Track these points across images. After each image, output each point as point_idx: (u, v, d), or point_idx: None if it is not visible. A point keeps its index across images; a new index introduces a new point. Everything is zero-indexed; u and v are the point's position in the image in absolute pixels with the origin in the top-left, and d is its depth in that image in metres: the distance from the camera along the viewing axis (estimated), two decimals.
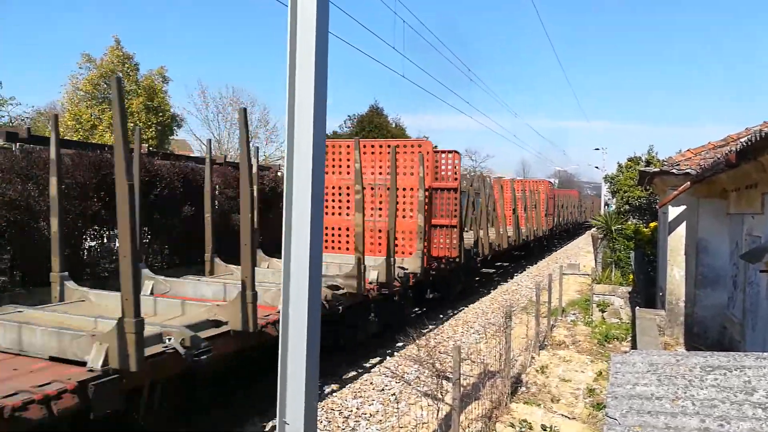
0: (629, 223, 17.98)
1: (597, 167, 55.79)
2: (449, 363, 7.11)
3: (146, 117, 28.98)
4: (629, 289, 13.42)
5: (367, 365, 9.40)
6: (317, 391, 4.80)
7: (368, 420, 6.99)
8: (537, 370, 8.91)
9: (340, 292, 8.52)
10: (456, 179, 12.24)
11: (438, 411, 6.81)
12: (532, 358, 9.42)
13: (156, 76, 30.51)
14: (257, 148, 12.90)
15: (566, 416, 7.18)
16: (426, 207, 11.55)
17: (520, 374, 8.52)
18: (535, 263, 25.84)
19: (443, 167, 12.28)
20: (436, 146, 13.39)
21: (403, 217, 11.75)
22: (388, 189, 10.50)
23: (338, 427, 6.76)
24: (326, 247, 11.68)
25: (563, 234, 38.04)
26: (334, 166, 12.14)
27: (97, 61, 29.19)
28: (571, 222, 41.32)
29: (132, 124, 28.17)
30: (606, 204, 41.44)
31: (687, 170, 9.69)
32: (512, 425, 6.71)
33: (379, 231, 11.53)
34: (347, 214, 11.83)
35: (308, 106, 4.47)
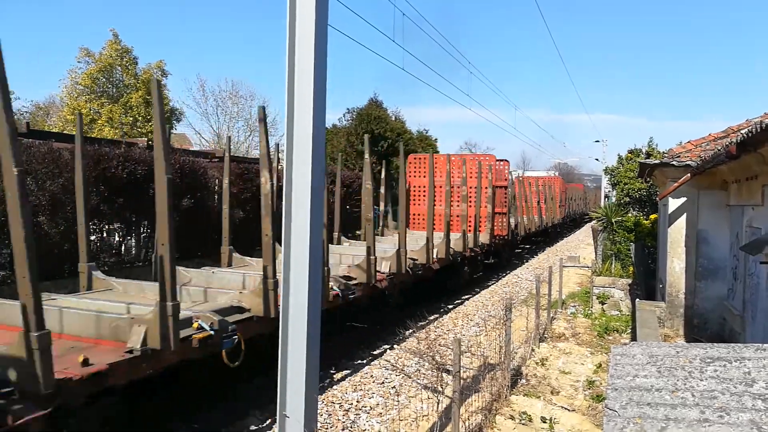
0: (629, 215, 17.98)
1: (597, 159, 55.68)
2: (449, 356, 7.12)
3: (145, 111, 28.91)
4: (629, 281, 13.44)
5: (367, 358, 9.42)
6: (317, 384, 4.81)
7: (368, 413, 7.01)
8: (537, 363, 8.93)
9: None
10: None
11: (438, 403, 6.83)
12: (532, 350, 9.44)
13: (155, 70, 30.42)
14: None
15: (566, 408, 7.20)
16: (492, 200, 16.98)
17: (520, 367, 8.54)
18: (553, 245, 30.79)
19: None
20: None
21: (479, 206, 16.18)
22: (470, 188, 15.68)
23: (339, 420, 6.77)
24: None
25: (571, 223, 43.23)
26: (437, 174, 15.97)
27: (95, 55, 29.09)
28: (578, 213, 47.48)
29: (131, 118, 28.15)
30: (606, 196, 41.47)
31: (687, 162, 9.68)
32: (512, 417, 6.73)
33: (457, 216, 15.49)
34: (440, 205, 15.42)
35: (308, 99, 4.46)
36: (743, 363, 2.99)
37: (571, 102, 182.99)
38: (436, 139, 37.76)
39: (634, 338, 9.75)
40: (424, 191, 16.66)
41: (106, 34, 37.34)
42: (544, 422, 6.62)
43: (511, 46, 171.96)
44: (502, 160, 18.69)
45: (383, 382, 8.11)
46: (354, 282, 9.07)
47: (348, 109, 33.43)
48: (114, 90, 29.70)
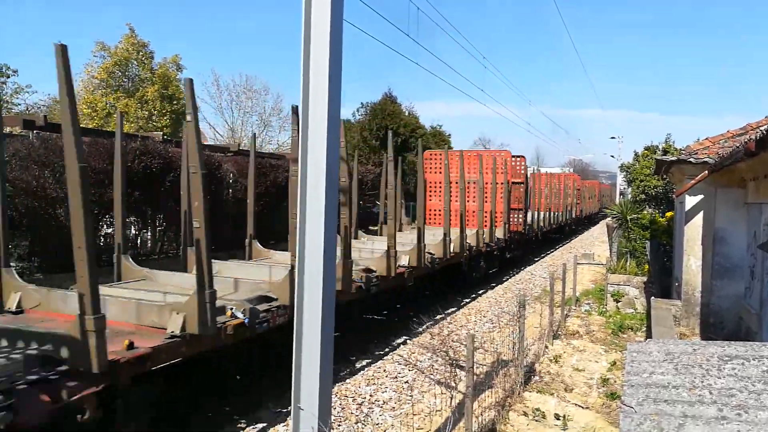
0: (645, 212, 17.82)
1: (612, 156, 55.21)
2: (462, 352, 7.12)
3: (161, 105, 29.12)
4: (644, 279, 13.33)
5: (380, 353, 9.45)
6: (331, 377, 4.84)
7: (381, 407, 7.03)
8: (550, 360, 8.89)
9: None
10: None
11: (451, 399, 6.84)
12: (546, 347, 9.41)
13: (170, 65, 30.61)
14: (254, 134, 13.42)
15: (580, 405, 7.17)
16: (507, 196, 17.11)
17: (533, 363, 8.52)
18: (567, 242, 31.26)
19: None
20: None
21: (495, 202, 16.43)
22: (486, 184, 15.73)
23: (352, 413, 6.80)
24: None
25: (586, 220, 43.62)
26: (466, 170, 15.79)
27: (111, 49, 29.32)
28: (593, 210, 48.53)
29: (147, 113, 28.38)
30: (621, 193, 41.21)
31: (705, 159, 9.56)
32: (525, 414, 6.72)
33: (473, 212, 15.24)
34: (456, 201, 14.78)
35: (323, 94, 4.47)
36: (762, 361, 2.96)
37: (586, 97, 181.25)
38: (449, 135, 37.67)
39: (649, 336, 9.67)
40: (440, 187, 16.66)
41: (122, 29, 37.60)
42: (558, 419, 6.60)
43: (526, 41, 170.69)
44: (518, 156, 18.61)
45: (396, 377, 8.13)
46: (375, 274, 9.20)
47: (362, 103, 33.41)
48: (130, 84, 29.93)
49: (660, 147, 21.70)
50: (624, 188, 38.19)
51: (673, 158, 10.50)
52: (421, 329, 10.22)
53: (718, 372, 2.86)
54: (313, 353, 4.48)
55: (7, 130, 13.69)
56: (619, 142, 52.67)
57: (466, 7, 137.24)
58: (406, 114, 34.54)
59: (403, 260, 10.32)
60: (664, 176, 13.67)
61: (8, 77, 25.84)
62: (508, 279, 17.89)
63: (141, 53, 29.54)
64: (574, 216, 34.31)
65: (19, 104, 26.96)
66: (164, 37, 79.79)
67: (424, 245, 10.98)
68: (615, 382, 7.94)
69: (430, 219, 17.11)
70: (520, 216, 18.47)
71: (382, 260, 9.50)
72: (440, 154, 17.25)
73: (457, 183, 14.75)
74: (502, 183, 16.85)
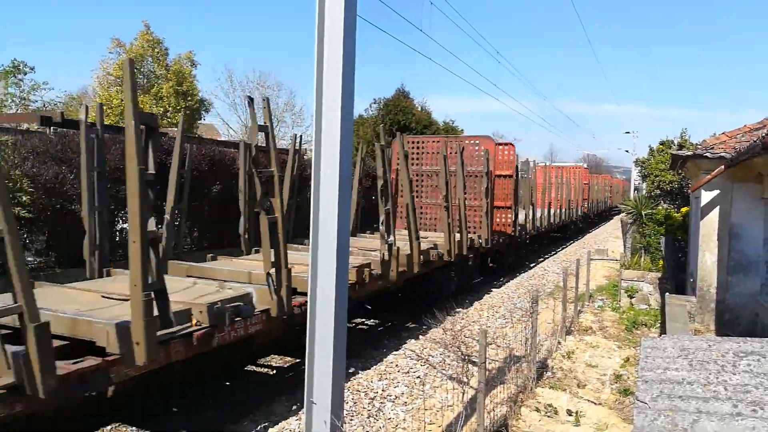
0: (660, 207, 17.66)
1: (627, 151, 54.77)
2: (475, 347, 7.12)
3: (175, 101, 29.31)
4: (659, 275, 13.23)
5: (392, 347, 9.47)
6: (344, 371, 4.86)
7: (393, 401, 7.06)
8: (563, 356, 8.86)
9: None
10: (511, 166, 15.49)
11: (463, 394, 6.85)
12: (559, 343, 9.37)
13: (185, 61, 30.78)
14: (299, 135, 13.82)
15: (592, 401, 7.15)
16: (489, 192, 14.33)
17: (545, 359, 8.49)
18: (578, 239, 30.86)
19: (500, 158, 15.57)
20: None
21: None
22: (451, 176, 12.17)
23: (364, 408, 6.84)
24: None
25: (596, 217, 42.85)
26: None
27: (127, 46, 29.55)
28: (608, 205, 48.67)
29: (161, 109, 28.58)
30: (636, 189, 40.91)
31: (721, 154, 9.45)
32: (537, 409, 6.71)
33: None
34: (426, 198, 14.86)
35: (336, 90, 4.48)
36: None
37: (600, 92, 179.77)
38: (462, 130, 37.52)
39: (663, 333, 9.61)
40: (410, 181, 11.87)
41: (137, 26, 37.83)
42: (570, 415, 6.58)
43: (541, 36, 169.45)
44: (504, 144, 15.70)
45: (408, 372, 8.15)
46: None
47: (375, 99, 33.38)
48: (145, 81, 30.15)
49: (675, 142, 21.49)
50: (639, 183, 37.85)
51: (689, 153, 10.40)
52: (432, 324, 10.23)
53: (733, 368, 2.84)
54: (325, 347, 4.51)
55: (24, 126, 13.86)
56: (633, 137, 52.29)
57: (479, 2, 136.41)
58: (419, 109, 34.46)
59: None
60: (680, 171, 13.53)
61: (25, 74, 26.13)
62: (520, 275, 17.83)
63: (156, 50, 29.73)
64: (580, 213, 31.31)
65: (36, 101, 27.24)
66: (178, 34, 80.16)
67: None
68: (628, 378, 7.90)
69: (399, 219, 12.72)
70: (508, 215, 15.49)
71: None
72: (410, 142, 15.06)
73: (428, 176, 13.76)
74: (478, 175, 14.07)
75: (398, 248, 9.56)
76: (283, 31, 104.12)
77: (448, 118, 39.35)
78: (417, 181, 14.57)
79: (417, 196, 14.12)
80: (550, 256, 22.97)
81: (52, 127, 11.07)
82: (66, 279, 7.23)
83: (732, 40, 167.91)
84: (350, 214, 5.22)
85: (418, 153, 14.90)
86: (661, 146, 22.28)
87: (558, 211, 24.47)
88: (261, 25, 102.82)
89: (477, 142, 14.60)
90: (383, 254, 9.14)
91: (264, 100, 7.14)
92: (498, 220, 15.32)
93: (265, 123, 6.83)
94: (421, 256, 10.36)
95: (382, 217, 9.29)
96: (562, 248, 25.57)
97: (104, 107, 28.12)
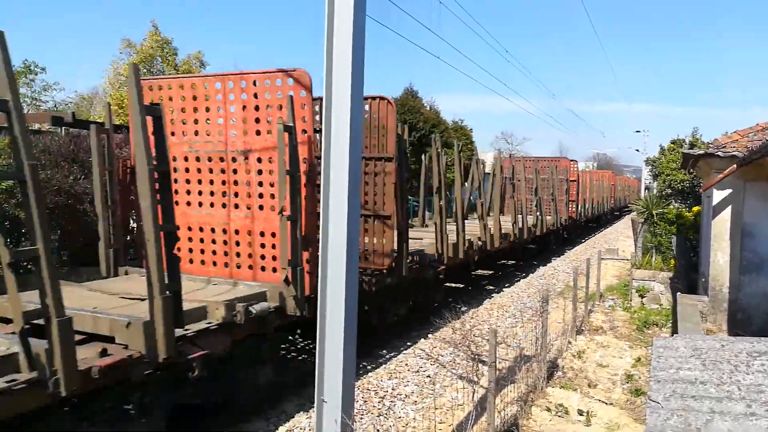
0: (671, 207, 17.54)
1: (637, 150, 54.45)
2: (485, 346, 7.11)
3: None
4: (670, 274, 13.13)
5: (402, 347, 9.47)
6: (354, 370, 4.87)
7: (404, 400, 7.06)
8: (573, 355, 8.83)
9: None
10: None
11: (473, 393, 6.84)
12: (569, 342, 9.34)
13: (194, 61, 30.90)
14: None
15: (603, 401, 7.11)
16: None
17: (556, 359, 8.47)
18: (616, 222, 38.14)
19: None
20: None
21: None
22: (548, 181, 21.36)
23: (374, 406, 6.84)
24: None
25: (620, 211, 47.95)
26: None
27: (137, 46, 29.70)
28: (628, 202, 51.79)
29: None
30: (647, 188, 40.68)
31: (733, 153, 9.37)
32: (548, 409, 6.68)
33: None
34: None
35: (346, 89, 4.49)
36: None
37: (610, 91, 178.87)
38: (471, 129, 37.45)
39: (674, 332, 9.54)
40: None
41: (146, 26, 38.02)
42: (581, 415, 6.56)
43: (549, 33, 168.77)
44: (573, 161, 26.82)
45: (418, 371, 8.15)
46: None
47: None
48: None
49: (687, 140, 21.34)
50: (649, 182, 37.69)
51: (701, 152, 10.32)
52: (442, 323, 10.22)
53: (746, 368, 2.82)
54: (336, 346, 4.52)
55: (36, 126, 13.98)
56: (644, 135, 51.94)
57: (487, 2, 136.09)
58: (427, 108, 34.40)
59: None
60: (691, 170, 13.43)
61: (36, 75, 26.33)
62: (531, 273, 17.77)
63: (165, 50, 29.86)
64: (608, 208, 39.97)
65: (47, 101, 27.46)
66: (187, 34, 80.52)
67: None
68: (639, 378, 7.86)
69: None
70: (572, 206, 24.61)
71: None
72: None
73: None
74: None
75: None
76: (293, 30, 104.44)
77: (457, 117, 39.28)
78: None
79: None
80: (592, 236, 32.02)
81: (63, 128, 11.17)
82: (78, 278, 7.31)
83: (744, 37, 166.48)
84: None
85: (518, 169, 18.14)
86: (672, 145, 22.15)
87: (596, 205, 32.69)
88: (270, 24, 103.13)
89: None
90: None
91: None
92: (570, 208, 23.88)
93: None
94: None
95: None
96: (600, 231, 35.20)
97: (116, 107, 28.33)
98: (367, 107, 8.68)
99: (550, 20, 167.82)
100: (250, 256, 7.05)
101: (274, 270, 6.85)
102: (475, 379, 6.95)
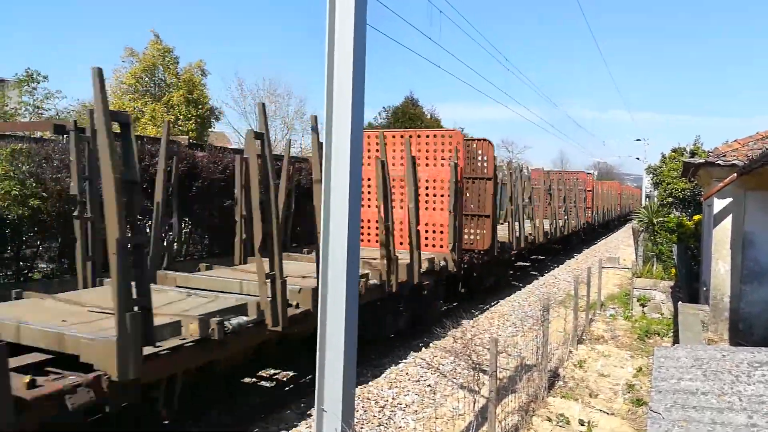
0: (672, 215, 17.53)
1: (638, 158, 54.48)
2: (485, 356, 7.08)
3: (186, 110, 29.52)
4: (671, 283, 13.11)
5: (402, 356, 9.44)
6: (355, 379, 4.86)
7: (404, 410, 7.03)
8: (575, 365, 8.80)
9: None
10: (484, 168, 13.53)
11: (474, 403, 6.80)
12: (570, 352, 9.31)
13: (195, 70, 31.02)
14: (290, 139, 13.93)
15: (605, 411, 7.08)
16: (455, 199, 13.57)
17: (557, 368, 8.44)
18: (622, 227, 41.49)
19: (587, 180, 21.99)
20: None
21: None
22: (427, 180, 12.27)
23: (374, 416, 6.81)
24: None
25: (602, 228, 44.41)
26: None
27: (139, 55, 29.82)
28: (631, 209, 54.69)
29: (173, 117, 28.81)
30: (647, 197, 40.74)
31: (734, 161, 9.38)
32: (549, 419, 6.65)
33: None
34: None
35: (346, 97, 4.50)
36: None
37: (611, 99, 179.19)
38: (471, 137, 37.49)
39: (676, 342, 9.51)
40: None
41: (148, 35, 38.22)
42: (582, 425, 6.53)
43: (550, 42, 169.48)
44: (476, 140, 13.28)
45: (419, 380, 8.12)
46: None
47: (384, 107, 33.47)
48: (156, 89, 30.41)
49: (687, 149, 21.35)
50: (650, 191, 37.80)
51: (701, 161, 10.32)
52: (443, 333, 10.19)
53: (747, 378, 2.81)
54: (336, 355, 4.51)
55: (38, 134, 14.01)
56: (645, 144, 51.98)
57: (488, 11, 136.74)
58: (428, 117, 34.50)
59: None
60: (692, 179, 13.44)
61: (38, 83, 26.44)
62: (531, 283, 17.74)
63: (167, 58, 29.97)
64: (615, 214, 43.07)
65: (50, 109, 27.51)
66: (188, 43, 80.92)
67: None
68: (641, 388, 7.83)
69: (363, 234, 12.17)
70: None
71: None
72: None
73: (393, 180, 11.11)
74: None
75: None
76: (294, 39, 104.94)
77: (458, 126, 39.39)
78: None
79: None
80: (603, 239, 35.93)
81: (64, 135, 11.19)
82: (74, 286, 7.22)
83: (745, 46, 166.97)
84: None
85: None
86: (673, 153, 22.16)
87: (606, 212, 36.37)
88: (271, 33, 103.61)
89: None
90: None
91: (259, 105, 6.78)
92: (471, 232, 13.57)
93: (260, 131, 6.50)
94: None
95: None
96: (609, 234, 38.71)
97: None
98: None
99: (551, 30, 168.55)
100: (426, 238, 11.64)
101: (441, 246, 11.62)
102: (476, 388, 6.91)
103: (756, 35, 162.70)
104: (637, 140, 56.07)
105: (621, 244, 31.16)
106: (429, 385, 7.89)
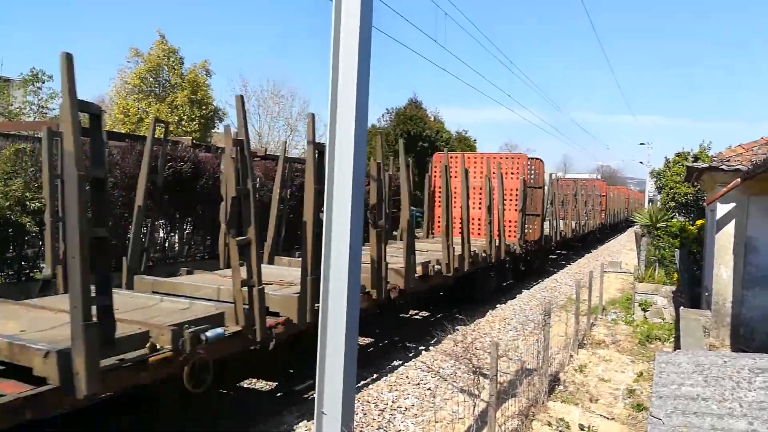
0: (675, 220, 17.50)
1: (642, 162, 54.39)
2: (486, 359, 7.07)
3: (190, 110, 29.59)
4: (673, 288, 13.08)
5: (403, 359, 9.43)
6: (355, 382, 4.85)
7: (404, 413, 7.02)
8: (575, 369, 8.78)
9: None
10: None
11: (474, 407, 6.79)
12: (571, 356, 9.29)
13: (199, 70, 31.10)
14: (285, 141, 14.03)
15: (605, 416, 7.06)
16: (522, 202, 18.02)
17: (557, 373, 8.42)
18: (629, 228, 43.45)
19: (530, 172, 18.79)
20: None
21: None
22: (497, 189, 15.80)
23: (374, 419, 6.80)
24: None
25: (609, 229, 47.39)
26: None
27: (144, 55, 29.90)
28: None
29: (176, 117, 28.87)
30: (651, 200, 40.74)
31: (737, 166, 9.37)
32: (549, 424, 6.64)
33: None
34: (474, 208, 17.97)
35: (350, 99, 4.51)
36: None
37: (615, 103, 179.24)
38: (475, 140, 37.53)
39: (677, 347, 9.48)
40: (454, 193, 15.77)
41: (154, 35, 38.29)
42: (582, 430, 6.51)
43: (555, 45, 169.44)
44: (535, 159, 18.34)
45: (419, 384, 8.11)
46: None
47: (387, 109, 33.49)
48: (160, 89, 30.48)
49: (692, 153, 21.33)
50: (653, 195, 37.89)
51: (705, 165, 10.31)
52: (444, 336, 10.18)
53: (748, 385, 2.80)
54: (337, 359, 4.51)
55: (39, 134, 14.04)
56: (648, 148, 51.86)
57: (493, 13, 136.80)
58: (432, 119, 34.52)
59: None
60: (695, 183, 13.42)
61: (43, 82, 26.51)
62: (532, 286, 17.72)
63: (172, 59, 30.05)
64: (623, 217, 46.90)
65: (54, 108, 27.58)
66: (193, 43, 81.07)
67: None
68: (642, 393, 7.80)
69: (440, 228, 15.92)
70: (603, 215, 27.53)
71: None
72: (455, 157, 16.78)
73: (474, 189, 15.76)
74: (516, 189, 16.84)
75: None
76: (298, 41, 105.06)
77: (461, 128, 39.41)
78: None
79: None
80: (615, 238, 39.64)
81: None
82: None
83: (750, 51, 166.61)
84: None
85: (456, 168, 16.23)
86: (677, 158, 22.13)
87: (616, 214, 40.79)
88: (276, 35, 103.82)
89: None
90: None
91: (237, 98, 6.27)
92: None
93: (236, 137, 6.12)
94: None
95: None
96: (619, 235, 42.37)
97: (121, 116, 28.42)
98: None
99: (556, 33, 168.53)
100: (499, 231, 14.60)
101: (510, 236, 15.71)
102: (476, 392, 6.90)
103: (762, 40, 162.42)
104: (641, 144, 55.95)
105: (623, 248, 31.11)
106: (429, 389, 7.88)
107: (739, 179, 9.04)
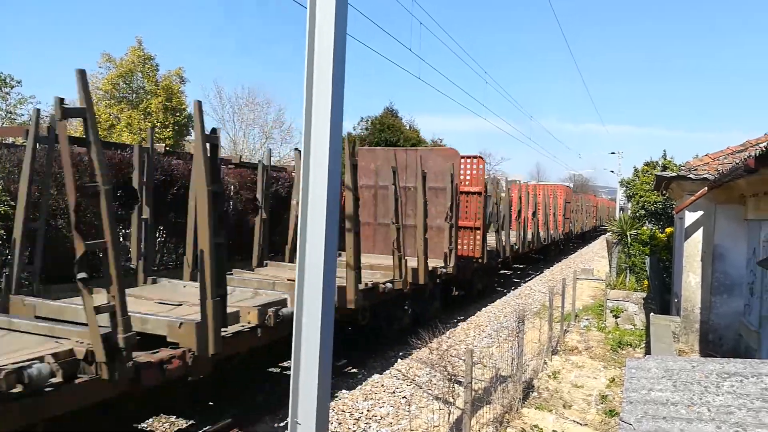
0: (645, 228, 17.83)
1: (612, 171, 55.35)
2: (461, 367, 7.09)
3: (164, 117, 29.24)
4: (644, 295, 13.31)
5: (378, 368, 9.40)
6: (329, 391, 4.81)
7: (379, 422, 6.99)
8: (549, 376, 8.86)
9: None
10: (480, 182, 14.45)
11: (449, 414, 6.80)
12: (545, 363, 9.37)
13: (174, 77, 30.79)
14: (270, 149, 13.82)
15: (578, 422, 7.13)
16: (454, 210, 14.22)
17: (531, 379, 8.48)
18: (598, 238, 44.28)
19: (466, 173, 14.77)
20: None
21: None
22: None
23: (349, 428, 6.76)
24: None
25: (578, 239, 45.07)
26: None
27: (117, 61, 29.49)
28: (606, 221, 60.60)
29: (149, 124, 28.49)
30: (621, 209, 41.48)
31: (705, 175, 9.59)
32: (523, 430, 6.68)
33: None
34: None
35: (326, 107, 4.50)
36: (761, 378, 2.95)
37: (586, 112, 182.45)
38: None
39: (648, 353, 9.64)
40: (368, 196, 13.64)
41: (127, 41, 37.79)
42: None
43: (527, 55, 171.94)
44: (470, 157, 14.52)
45: (394, 392, 8.09)
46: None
47: (362, 117, 33.53)
48: (134, 96, 30.08)
49: (660, 162, 21.75)
50: (624, 204, 38.66)
51: (673, 174, 10.53)
52: (419, 344, 10.19)
53: (716, 389, 2.86)
54: (311, 367, 4.47)
55: (10, 140, 13.73)
56: (619, 157, 52.79)
57: (468, 24, 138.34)
58: (407, 128, 34.67)
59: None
60: (664, 192, 13.70)
61: (12, 87, 25.94)
62: (507, 294, 17.85)
63: (147, 65, 29.71)
64: (590, 226, 44.69)
65: (23, 114, 27.01)
66: (167, 50, 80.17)
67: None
68: (614, 398, 7.90)
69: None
70: (568, 224, 24.60)
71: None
72: (368, 152, 14.19)
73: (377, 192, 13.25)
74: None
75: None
76: (273, 48, 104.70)
77: (436, 137, 39.65)
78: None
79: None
80: (581, 249, 37.87)
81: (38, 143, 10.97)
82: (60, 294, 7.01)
83: (717, 62, 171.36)
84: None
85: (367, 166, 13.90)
86: (645, 167, 22.55)
87: (600, 221, 43.80)
88: (250, 42, 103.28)
89: (559, 186, 29.86)
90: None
91: (195, 103, 5.83)
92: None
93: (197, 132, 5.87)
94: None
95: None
96: (587, 245, 41.34)
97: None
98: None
99: (528, 43, 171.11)
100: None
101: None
102: (451, 399, 6.92)
103: (729, 53, 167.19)
104: (612, 153, 56.97)
105: (596, 256, 31.57)
106: (404, 397, 7.86)
107: (706, 188, 9.26)
